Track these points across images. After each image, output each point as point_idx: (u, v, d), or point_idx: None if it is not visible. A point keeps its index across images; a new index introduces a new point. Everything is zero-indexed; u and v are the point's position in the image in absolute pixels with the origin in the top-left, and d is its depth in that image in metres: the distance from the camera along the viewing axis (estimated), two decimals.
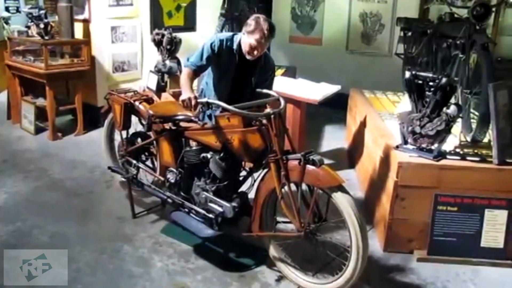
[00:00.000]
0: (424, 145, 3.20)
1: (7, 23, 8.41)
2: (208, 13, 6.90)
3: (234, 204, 2.96)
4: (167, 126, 3.35)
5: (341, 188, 2.55)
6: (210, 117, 3.35)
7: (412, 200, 3.12)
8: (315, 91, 4.42)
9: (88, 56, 5.72)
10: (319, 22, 7.73)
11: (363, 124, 4.55)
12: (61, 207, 3.82)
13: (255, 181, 3.02)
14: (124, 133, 3.74)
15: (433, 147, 3.17)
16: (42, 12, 5.86)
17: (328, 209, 2.68)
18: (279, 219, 2.99)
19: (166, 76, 4.96)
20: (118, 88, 4.46)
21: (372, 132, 4.14)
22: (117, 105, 3.61)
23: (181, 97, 2.91)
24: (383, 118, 4.27)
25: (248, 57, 3.17)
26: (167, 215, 3.51)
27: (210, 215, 3.03)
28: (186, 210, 3.23)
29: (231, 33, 3.35)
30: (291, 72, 6.03)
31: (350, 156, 5.11)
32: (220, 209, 3.00)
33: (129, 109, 3.58)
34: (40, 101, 5.79)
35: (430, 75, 3.16)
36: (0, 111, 6.46)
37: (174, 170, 3.31)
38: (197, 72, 3.30)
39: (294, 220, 2.73)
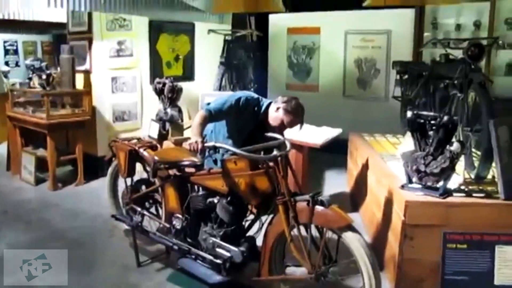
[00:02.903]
0: (429, 183, 3.21)
1: (6, 76, 8.57)
2: (206, 63, 7.05)
3: (242, 248, 2.94)
4: (172, 172, 3.35)
5: (351, 228, 2.54)
6: (215, 162, 3.36)
7: (421, 239, 3.09)
8: (317, 135, 4.46)
9: (89, 106, 5.78)
10: (315, 69, 7.89)
11: (365, 166, 4.57)
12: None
13: (263, 224, 3.00)
14: (128, 180, 3.73)
15: (438, 185, 3.18)
16: (44, 64, 5.98)
17: (339, 250, 2.65)
18: (288, 262, 2.95)
19: (167, 124, 5.00)
20: (118, 137, 4.49)
21: (375, 173, 4.15)
22: (122, 152, 3.62)
23: (189, 141, 2.94)
24: (385, 160, 4.28)
25: (273, 124, 3.36)
26: (172, 262, 3.46)
27: (218, 261, 2.99)
28: (193, 256, 3.19)
29: (257, 96, 3.51)
30: None
31: (353, 199, 5.09)
32: (228, 254, 2.96)
33: (134, 156, 3.59)
34: (41, 152, 5.80)
35: (432, 114, 3.22)
36: (0, 162, 6.45)
37: (180, 216, 3.28)
38: (213, 117, 3.32)
39: (304, 263, 2.69)
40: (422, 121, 3.23)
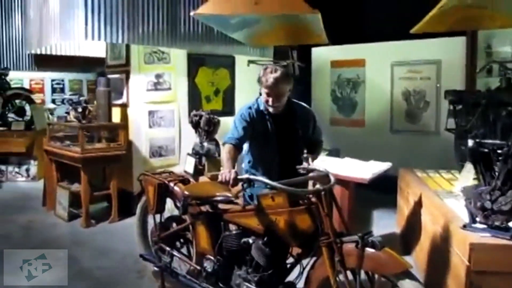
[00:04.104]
0: (497, 223, 2.76)
1: (52, 113, 8.65)
2: (247, 97, 6.81)
3: None
4: (204, 208, 3.05)
5: (409, 275, 2.14)
6: (251, 197, 3.03)
7: None
8: (364, 169, 4.08)
9: (125, 140, 5.62)
10: (361, 103, 7.54)
11: (418, 205, 4.14)
12: None
13: (304, 269, 2.63)
14: (158, 217, 3.45)
15: (509, 225, 2.73)
16: (83, 98, 5.90)
17: None
18: None
19: (204, 159, 4.73)
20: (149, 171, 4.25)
21: (430, 212, 3.72)
22: (151, 186, 3.35)
23: (220, 172, 2.62)
24: (441, 197, 3.85)
25: (270, 109, 3.04)
26: None
27: None
28: None
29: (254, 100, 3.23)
30: (334, 154, 5.74)
31: (405, 241, 4.63)
32: None
33: (164, 191, 3.31)
34: (75, 187, 5.64)
35: (498, 142, 2.81)
36: (37, 198, 6.35)
37: (212, 257, 2.95)
38: (238, 145, 3.01)
39: None
40: (486, 150, 2.81)
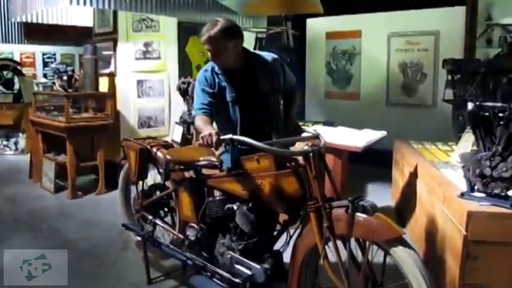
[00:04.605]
0: (497, 191, 2.60)
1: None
2: None
3: (266, 265, 2.42)
4: (188, 174, 2.89)
5: (402, 242, 1.99)
6: (234, 162, 2.82)
7: (488, 259, 2.50)
8: (357, 138, 3.92)
9: (112, 110, 5.43)
10: (356, 76, 7.31)
11: (413, 176, 3.98)
12: (69, 270, 3.32)
13: (291, 237, 2.48)
14: (140, 185, 3.29)
15: (509, 193, 2.58)
16: (70, 68, 5.69)
17: (385, 270, 2.10)
18: (321, 284, 2.40)
19: (192, 127, 4.57)
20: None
21: (426, 182, 3.57)
22: (132, 152, 3.18)
23: (201, 135, 2.43)
24: (438, 167, 3.69)
25: (218, 65, 2.73)
26: (188, 280, 2.96)
27: (237, 280, 2.48)
28: (209, 273, 2.69)
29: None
30: (328, 126, 5.57)
31: (400, 214, 4.48)
32: (248, 272, 2.45)
33: (146, 157, 3.14)
34: (62, 158, 5.47)
35: (499, 104, 2.63)
36: (25, 171, 6.21)
37: (195, 225, 2.81)
38: (208, 113, 2.69)
39: (341, 285, 2.14)
40: (486, 114, 2.63)
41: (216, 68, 2.75)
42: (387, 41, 6.87)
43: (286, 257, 2.49)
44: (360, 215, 2.04)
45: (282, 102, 2.86)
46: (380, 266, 2.10)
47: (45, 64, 10.25)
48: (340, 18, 7.35)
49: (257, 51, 2.90)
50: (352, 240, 2.14)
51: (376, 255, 2.11)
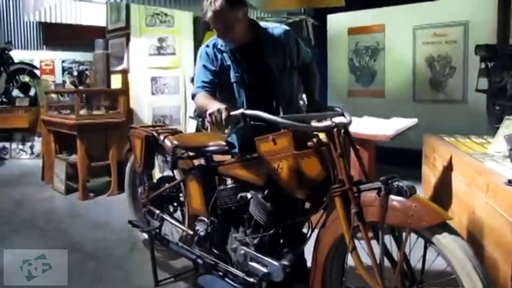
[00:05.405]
0: None
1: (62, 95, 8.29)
2: None
3: (284, 262, 2.10)
4: (197, 162, 2.60)
5: (447, 228, 1.64)
6: (243, 146, 2.47)
7: None
8: (386, 126, 3.58)
9: (124, 108, 5.20)
10: (380, 72, 6.96)
11: (447, 169, 3.62)
12: (72, 272, 3.04)
13: (313, 229, 2.16)
14: (147, 177, 3.01)
15: None
16: (83, 67, 5.51)
17: (425, 264, 1.76)
18: (349, 283, 2.06)
19: (206, 121, 4.28)
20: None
21: (463, 173, 3.20)
22: (138, 139, 2.91)
23: (208, 111, 2.13)
24: (475, 158, 3.33)
25: (226, 43, 2.40)
26: (196, 280, 2.65)
27: (251, 279, 2.17)
28: (221, 273, 2.38)
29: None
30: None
31: None
32: (264, 269, 2.13)
33: (152, 144, 2.86)
34: (73, 158, 5.25)
35: None
36: (38, 174, 6.00)
37: (205, 219, 2.51)
38: (210, 90, 2.39)
39: (373, 283, 1.80)
40: None
41: (219, 44, 2.45)
42: (412, 34, 6.52)
43: (308, 252, 2.17)
44: (395, 198, 1.71)
45: (297, 81, 2.55)
46: (420, 259, 1.76)
47: (64, 71, 10.21)
48: (362, 13, 7.03)
49: (267, 24, 2.56)
50: (386, 228, 1.80)
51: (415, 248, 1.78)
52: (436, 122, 6.05)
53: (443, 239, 1.61)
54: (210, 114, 2.07)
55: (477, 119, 5.08)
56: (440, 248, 1.62)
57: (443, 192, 3.70)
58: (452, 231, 1.63)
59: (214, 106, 2.10)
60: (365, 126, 3.62)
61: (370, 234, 1.85)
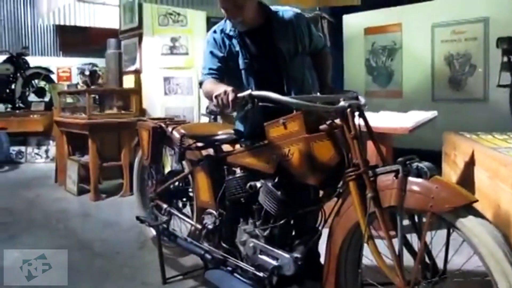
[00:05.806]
0: None
1: (79, 101, 8.33)
2: None
3: (296, 254, 1.97)
4: (205, 153, 2.49)
5: (473, 212, 1.50)
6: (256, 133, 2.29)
7: None
8: (404, 119, 3.44)
9: (137, 107, 5.13)
10: (398, 72, 6.80)
11: (469, 164, 3.45)
12: (78, 269, 2.96)
13: (326, 220, 2.03)
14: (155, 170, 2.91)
15: None
16: (96, 68, 5.47)
17: (449, 253, 1.62)
18: (366, 276, 1.92)
19: (218, 118, 4.20)
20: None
21: (487, 167, 3.05)
22: (145, 131, 2.81)
23: (214, 94, 2.01)
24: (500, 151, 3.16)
25: (236, 25, 2.27)
26: (203, 275, 2.54)
27: (261, 274, 2.04)
28: (230, 268, 2.26)
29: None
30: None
31: None
32: (275, 262, 2.01)
33: (160, 136, 2.75)
34: (85, 159, 5.19)
35: None
36: (51, 176, 5.97)
37: (213, 211, 2.39)
38: (218, 77, 2.29)
39: (392, 275, 1.66)
40: None
41: (228, 29, 2.33)
42: (430, 32, 6.35)
43: (322, 243, 2.04)
44: (415, 180, 1.57)
45: (309, 67, 2.43)
46: (443, 248, 1.62)
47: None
48: (378, 12, 6.91)
49: (277, 7, 2.44)
50: (404, 213, 1.66)
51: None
52: (457, 122, 5.84)
53: (469, 222, 1.47)
54: (216, 96, 1.96)
55: (499, 118, 4.90)
56: (465, 233, 1.48)
57: (464, 188, 3.53)
58: (478, 214, 1.49)
59: (220, 88, 1.99)
60: (383, 120, 3.48)
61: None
